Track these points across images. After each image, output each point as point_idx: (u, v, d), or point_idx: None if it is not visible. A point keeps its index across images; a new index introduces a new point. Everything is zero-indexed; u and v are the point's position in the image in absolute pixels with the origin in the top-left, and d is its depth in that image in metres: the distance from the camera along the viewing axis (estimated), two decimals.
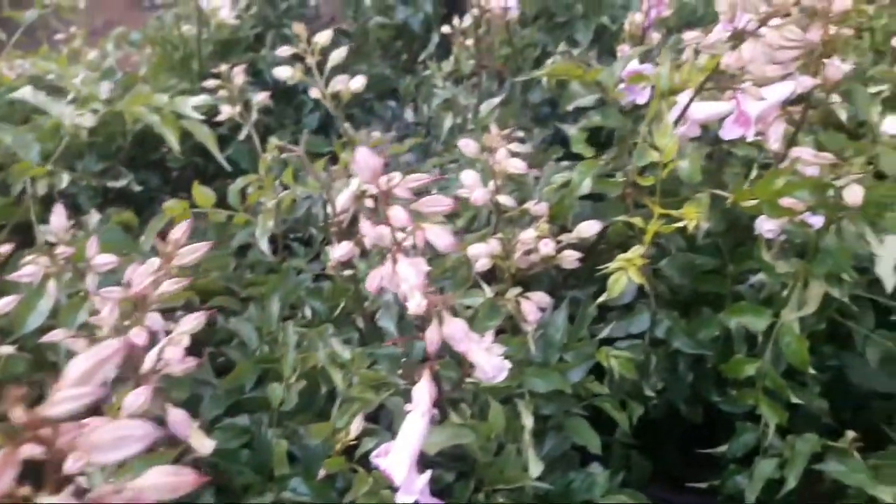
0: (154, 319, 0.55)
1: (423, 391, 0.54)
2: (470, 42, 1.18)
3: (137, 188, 1.14)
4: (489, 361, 0.55)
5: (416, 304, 0.50)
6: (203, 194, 0.91)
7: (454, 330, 0.53)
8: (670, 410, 0.87)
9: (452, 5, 1.48)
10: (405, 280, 0.50)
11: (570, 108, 0.82)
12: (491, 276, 0.76)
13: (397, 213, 0.48)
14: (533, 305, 0.71)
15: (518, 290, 0.70)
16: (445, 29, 1.22)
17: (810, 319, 0.76)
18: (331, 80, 0.84)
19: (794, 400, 0.72)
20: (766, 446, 0.75)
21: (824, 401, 0.83)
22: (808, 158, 0.65)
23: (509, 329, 0.71)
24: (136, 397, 0.49)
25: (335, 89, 0.83)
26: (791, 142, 0.80)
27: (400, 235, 0.52)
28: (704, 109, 0.80)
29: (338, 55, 0.83)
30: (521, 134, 1.08)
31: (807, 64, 0.76)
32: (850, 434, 0.75)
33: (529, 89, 1.23)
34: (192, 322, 0.52)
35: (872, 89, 1.23)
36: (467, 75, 1.24)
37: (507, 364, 0.56)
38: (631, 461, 0.85)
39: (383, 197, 0.48)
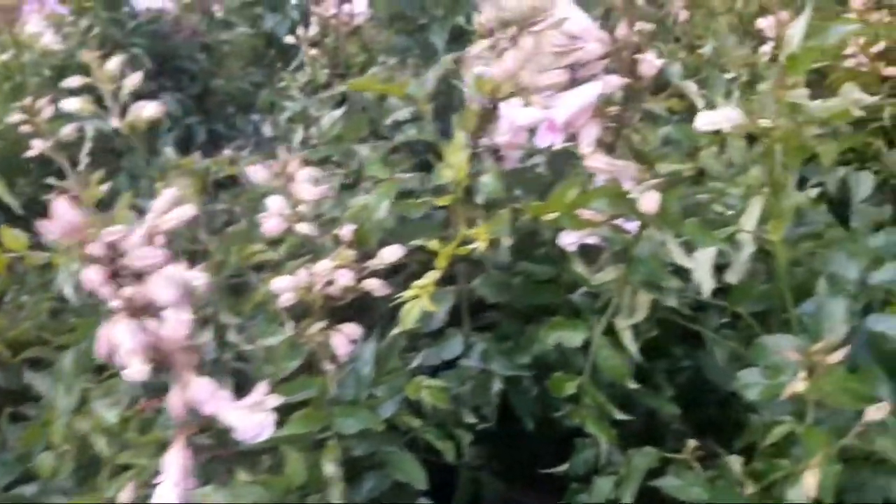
0: None
1: (174, 460, 0.50)
2: (314, 52, 1.13)
3: None
4: (246, 420, 0.50)
5: (134, 372, 0.45)
6: (12, 237, 0.84)
7: (197, 392, 0.48)
8: (542, 422, 0.84)
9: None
10: (121, 344, 0.45)
11: (388, 121, 0.78)
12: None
13: (90, 273, 0.43)
14: (343, 338, 0.67)
15: (321, 324, 0.65)
16: (290, 39, 1.17)
17: (644, 326, 0.74)
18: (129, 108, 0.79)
19: (619, 416, 0.68)
20: (603, 463, 0.72)
21: (675, 406, 0.80)
22: (599, 167, 0.62)
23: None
24: None
25: (131, 118, 0.78)
26: (613, 144, 0.77)
27: (129, 291, 0.47)
28: (527, 115, 0.76)
29: (131, 81, 0.78)
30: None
31: (618, 61, 0.73)
32: (692, 443, 0.72)
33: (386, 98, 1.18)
34: None
35: (729, 75, 1.22)
36: (322, 85, 1.20)
37: (271, 419, 0.52)
38: (482, 483, 0.81)
39: (79, 252, 0.43)
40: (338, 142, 1.04)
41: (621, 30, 0.70)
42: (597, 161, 0.62)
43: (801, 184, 1.00)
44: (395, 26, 1.27)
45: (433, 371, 0.76)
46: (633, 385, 0.67)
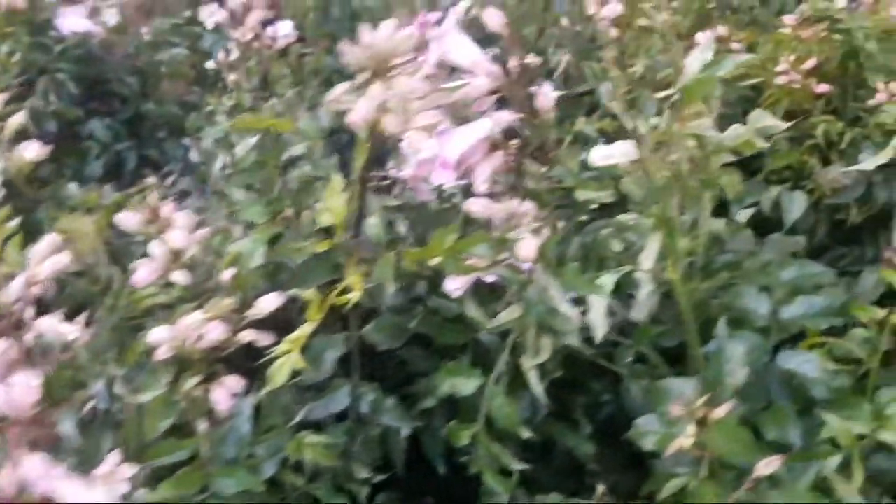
0: None
1: None
2: (234, 77, 1.09)
3: None
4: (87, 496, 0.47)
5: None
6: None
7: (28, 472, 0.45)
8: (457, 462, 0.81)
9: None
10: None
11: (283, 157, 0.75)
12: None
13: None
14: (224, 392, 0.64)
15: (196, 379, 0.62)
16: (210, 64, 1.14)
17: (550, 365, 0.71)
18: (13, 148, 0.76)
19: (516, 466, 0.66)
20: None
21: (591, 445, 0.78)
22: (478, 210, 0.59)
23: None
24: None
25: (15, 160, 0.75)
26: (515, 181, 0.75)
27: None
28: (425, 151, 0.74)
29: (16, 120, 0.75)
30: None
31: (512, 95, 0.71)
32: (600, 488, 0.70)
33: None
34: None
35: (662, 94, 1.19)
36: (248, 109, 1.16)
37: (118, 493, 0.49)
38: None
39: None
40: (258, 169, 1.01)
41: (511, 62, 0.68)
42: (476, 205, 0.59)
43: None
44: (328, 47, 1.24)
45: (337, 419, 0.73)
46: (526, 434, 0.65)
